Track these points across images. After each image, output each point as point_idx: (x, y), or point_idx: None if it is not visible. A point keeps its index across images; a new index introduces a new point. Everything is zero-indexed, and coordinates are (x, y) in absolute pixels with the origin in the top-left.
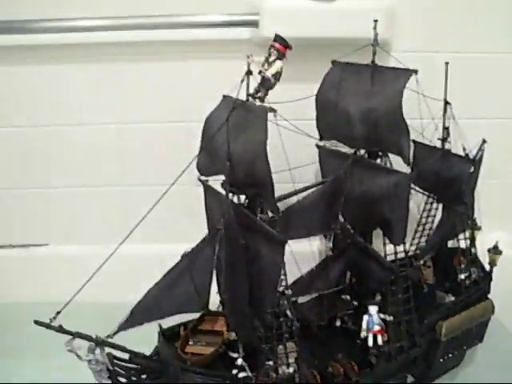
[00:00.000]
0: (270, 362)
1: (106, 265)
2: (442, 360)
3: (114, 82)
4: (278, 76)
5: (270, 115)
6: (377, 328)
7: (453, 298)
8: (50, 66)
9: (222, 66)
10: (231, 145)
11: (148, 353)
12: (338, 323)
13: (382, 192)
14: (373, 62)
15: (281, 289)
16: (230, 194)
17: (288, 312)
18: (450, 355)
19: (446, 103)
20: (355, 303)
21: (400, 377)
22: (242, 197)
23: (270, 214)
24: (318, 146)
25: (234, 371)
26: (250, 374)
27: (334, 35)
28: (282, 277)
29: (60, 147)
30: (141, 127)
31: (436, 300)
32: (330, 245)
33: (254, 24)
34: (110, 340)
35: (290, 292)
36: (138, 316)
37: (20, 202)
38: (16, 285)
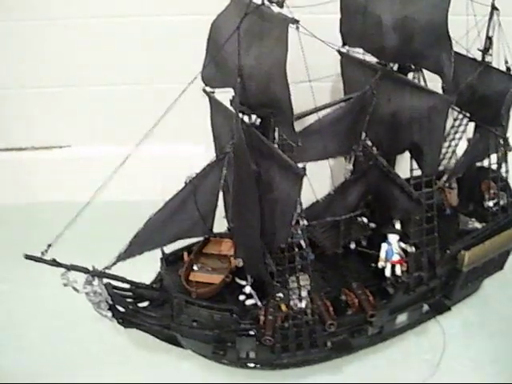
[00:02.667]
0: (281, 294)
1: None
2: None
3: None
4: None
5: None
6: (396, 258)
7: (476, 223)
8: None
9: None
10: (242, 57)
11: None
12: (353, 246)
13: (414, 114)
14: None
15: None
16: (241, 114)
17: (302, 243)
18: (469, 284)
19: (494, 8)
20: (372, 225)
21: (416, 307)
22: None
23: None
24: (340, 53)
25: (241, 297)
26: (258, 303)
27: None
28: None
29: (81, 42)
30: (164, 20)
31: (459, 225)
32: (351, 167)
33: None
34: (107, 271)
35: (305, 222)
36: (137, 245)
37: (41, 103)
38: (38, 186)
